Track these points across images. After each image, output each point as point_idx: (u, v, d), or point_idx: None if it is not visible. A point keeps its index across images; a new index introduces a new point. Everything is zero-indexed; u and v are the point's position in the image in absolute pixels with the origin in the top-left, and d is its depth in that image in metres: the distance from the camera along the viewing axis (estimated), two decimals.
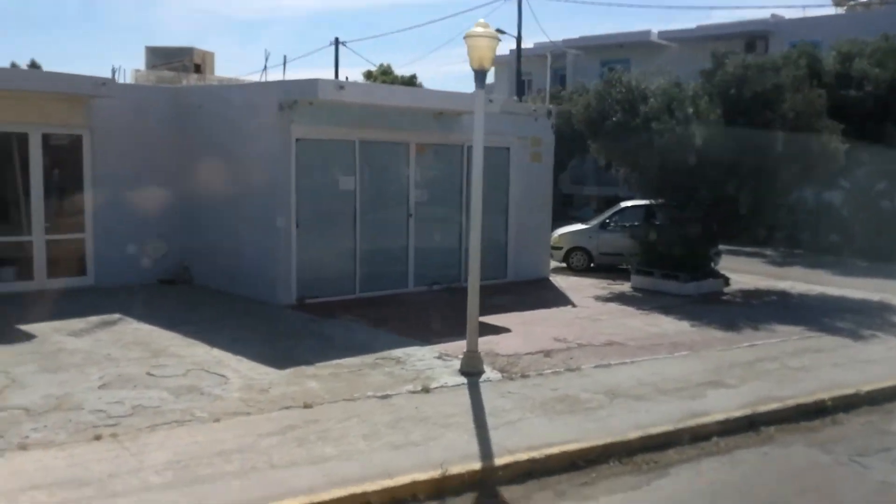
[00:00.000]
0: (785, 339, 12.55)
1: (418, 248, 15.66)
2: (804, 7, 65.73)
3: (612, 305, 15.12)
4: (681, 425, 8.48)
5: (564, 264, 19.72)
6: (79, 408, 8.09)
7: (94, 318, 11.95)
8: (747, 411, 8.96)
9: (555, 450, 7.61)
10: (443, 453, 7.35)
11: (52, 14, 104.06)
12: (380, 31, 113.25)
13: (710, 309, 15.02)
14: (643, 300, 15.69)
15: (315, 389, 9.02)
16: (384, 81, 39.60)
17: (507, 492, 7.03)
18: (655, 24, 43.56)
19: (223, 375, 9.40)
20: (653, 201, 18.23)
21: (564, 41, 41.05)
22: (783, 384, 10.06)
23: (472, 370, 9.93)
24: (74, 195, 14.51)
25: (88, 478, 6.49)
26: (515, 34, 38.68)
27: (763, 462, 7.98)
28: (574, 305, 14.99)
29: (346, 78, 45.86)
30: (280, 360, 10.10)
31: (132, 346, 10.53)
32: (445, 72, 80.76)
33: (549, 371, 10.25)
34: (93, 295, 13.74)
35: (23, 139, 13.83)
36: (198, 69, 18.94)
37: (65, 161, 14.53)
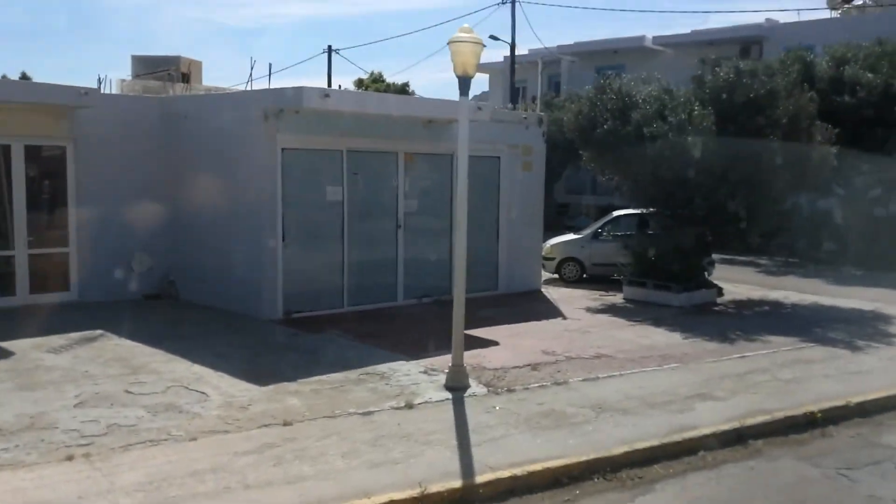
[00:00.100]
0: (776, 351, 12.41)
1: (408, 260, 15.52)
2: (798, 11, 65.51)
3: (603, 317, 14.98)
4: (667, 440, 8.33)
5: (557, 275, 19.56)
6: (52, 427, 7.93)
7: (74, 335, 11.80)
8: (735, 424, 8.81)
9: (537, 466, 7.46)
10: (423, 471, 7.19)
11: (44, 27, 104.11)
12: (374, 39, 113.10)
13: (702, 320, 14.88)
14: (634, 311, 15.55)
15: (296, 406, 8.87)
16: (376, 89, 39.51)
17: None
18: (652, 29, 43.58)
19: (203, 392, 9.25)
20: (645, 210, 18.11)
21: (559, 47, 40.96)
22: (772, 396, 9.92)
23: (457, 385, 9.78)
24: (58, 208, 14.37)
25: (56, 500, 6.34)
26: (509, 41, 38.71)
27: (750, 476, 7.83)
28: (564, 317, 14.84)
29: (339, 86, 45.84)
30: (262, 376, 9.95)
31: (112, 363, 10.38)
32: (439, 79, 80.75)
33: (536, 385, 10.10)
34: (76, 310, 13.57)
35: (5, 151, 13.71)
36: (185, 78, 18.83)
37: (48, 173, 14.41)
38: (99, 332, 12.06)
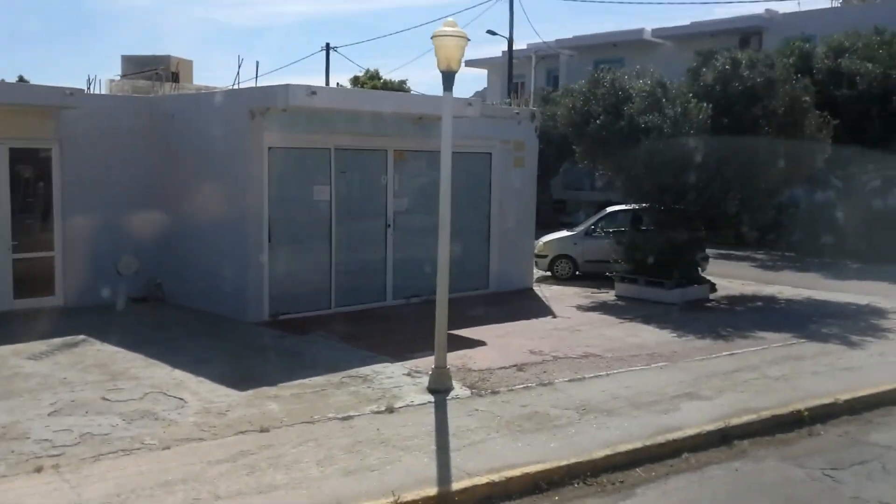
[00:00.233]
0: (766, 347, 12.28)
1: (397, 260, 15.36)
2: (798, 1, 65.29)
3: (594, 315, 14.85)
4: (650, 442, 8.20)
5: (549, 273, 19.40)
6: (24, 437, 7.81)
7: (56, 340, 11.66)
8: (720, 425, 8.68)
9: (516, 472, 7.33)
10: (399, 478, 7.07)
11: (47, 31, 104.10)
12: (372, 36, 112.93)
13: (694, 317, 14.74)
14: (626, 309, 15.41)
15: (274, 412, 8.75)
16: (372, 86, 39.34)
17: None
18: (650, 22, 43.30)
19: (181, 398, 9.13)
20: (638, 206, 17.96)
21: (557, 41, 40.78)
22: (760, 395, 9.79)
23: (440, 387, 9.65)
24: (43, 211, 14.22)
25: None
26: (507, 36, 38.54)
27: (733, 478, 7.70)
28: (554, 316, 14.70)
29: (337, 84, 45.75)
30: (242, 380, 9.82)
31: (91, 369, 10.25)
32: (437, 76, 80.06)
33: (521, 386, 9.97)
34: (60, 315, 13.43)
35: None
36: (175, 78, 18.69)
37: (33, 176, 14.27)
38: (81, 337, 11.94)
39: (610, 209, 19.97)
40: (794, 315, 15.06)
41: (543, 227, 25.84)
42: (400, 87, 40.69)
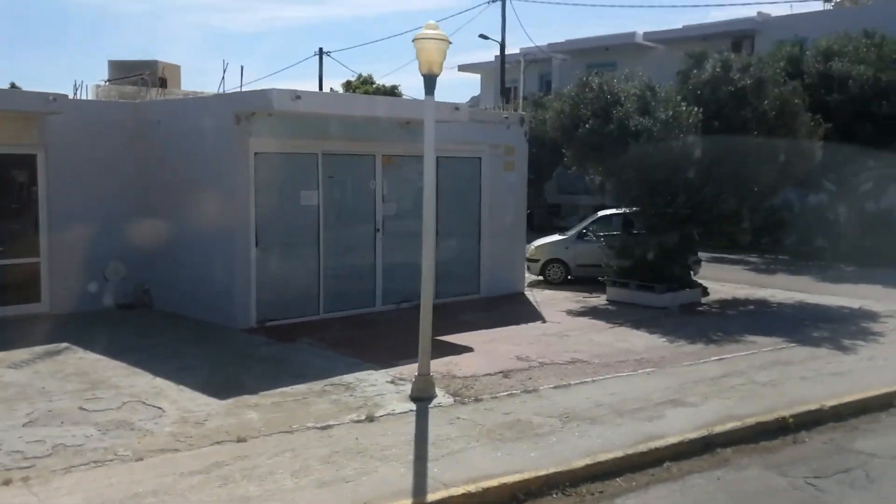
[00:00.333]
0: (755, 352, 12.18)
1: (387, 265, 15.27)
2: (790, 4, 65.13)
3: (584, 320, 14.75)
4: (632, 450, 8.10)
5: (541, 277, 19.31)
6: None
7: (38, 349, 11.57)
8: (703, 433, 8.58)
9: (494, 482, 7.22)
10: (373, 489, 6.97)
11: (43, 36, 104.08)
12: (367, 41, 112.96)
13: (685, 321, 14.64)
14: (616, 313, 15.31)
15: (253, 421, 8.65)
16: (364, 91, 39.24)
17: None
18: (646, 25, 43.14)
19: (160, 408, 9.03)
20: (629, 209, 17.87)
21: (550, 45, 40.71)
22: (746, 401, 9.69)
23: (422, 395, 9.55)
24: (28, 217, 14.13)
25: None
26: (499, 40, 38.47)
27: (715, 487, 7.60)
28: (544, 321, 14.60)
29: (331, 89, 45.66)
30: (224, 388, 9.73)
31: (71, 378, 10.15)
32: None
33: (505, 393, 9.87)
34: (45, 322, 13.33)
35: None
36: (163, 83, 18.58)
37: (18, 181, 14.16)
38: (64, 344, 11.84)
39: (602, 213, 19.88)
40: (786, 319, 14.97)
41: (539, 231, 25.81)
42: (391, 91, 40.57)
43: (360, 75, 42.61)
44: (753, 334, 13.41)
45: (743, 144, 15.64)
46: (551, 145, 23.82)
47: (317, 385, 10.00)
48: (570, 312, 15.43)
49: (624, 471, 7.82)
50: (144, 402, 9.21)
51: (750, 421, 8.98)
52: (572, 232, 19.83)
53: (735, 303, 16.79)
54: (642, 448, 8.16)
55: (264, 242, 13.60)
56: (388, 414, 8.99)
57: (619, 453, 8.01)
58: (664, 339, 13.07)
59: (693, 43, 32.60)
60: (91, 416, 8.70)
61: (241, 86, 17.74)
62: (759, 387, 10.33)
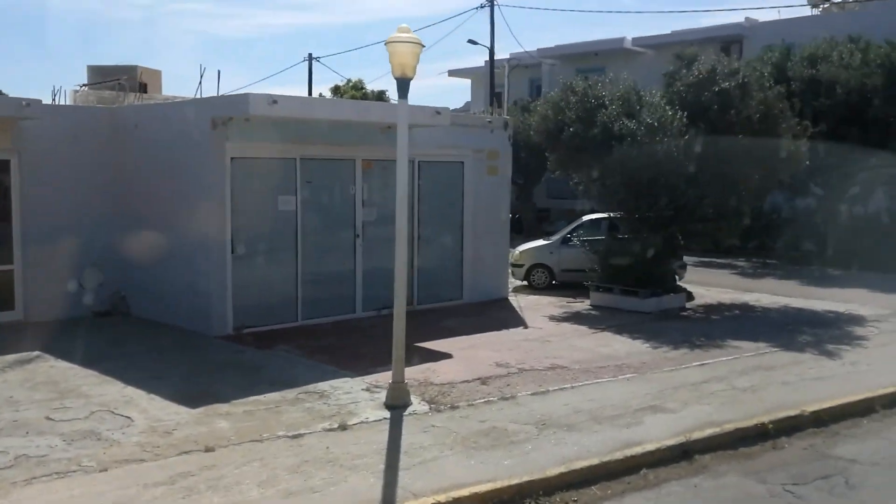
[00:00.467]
0: (737, 357, 12.06)
1: (367, 271, 15.10)
2: (778, 9, 65.10)
3: (566, 325, 14.61)
4: (608, 458, 7.95)
5: (526, 282, 19.16)
6: None
7: (9, 357, 11.35)
8: (681, 439, 8.44)
9: (465, 492, 7.07)
10: (341, 499, 6.82)
11: (35, 43, 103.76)
12: (357, 47, 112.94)
13: (668, 326, 14.52)
14: (599, 319, 15.18)
15: (223, 430, 8.48)
16: (352, 97, 39.08)
17: None
18: (638, 31, 43.03)
19: (128, 417, 8.85)
20: (613, 214, 17.76)
21: (539, 51, 40.62)
22: (726, 407, 9.56)
23: (397, 403, 9.39)
24: (1, 223, 13.89)
25: None
26: (488, 45, 38.38)
27: (692, 495, 7.47)
28: (526, 327, 14.46)
29: (320, 94, 45.48)
30: (195, 397, 9.55)
31: (40, 387, 9.96)
32: (422, 85, 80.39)
33: (482, 400, 9.72)
34: (18, 331, 13.09)
35: None
36: (143, 88, 18.40)
37: None
38: (36, 353, 11.63)
39: (586, 217, 19.75)
40: (771, 323, 14.86)
41: (528, 235, 25.69)
42: (380, 96, 40.45)
43: (349, 80, 42.46)
44: (737, 339, 13.29)
45: (727, 147, 15.54)
46: (540, 150, 23.74)
47: (290, 393, 9.83)
48: (553, 318, 15.28)
49: (600, 479, 7.68)
50: (113, 412, 9.03)
51: (729, 427, 8.84)
52: (557, 237, 19.71)
53: (720, 307, 16.68)
54: (619, 455, 8.02)
55: (241, 248, 13.44)
56: (362, 422, 8.83)
57: (595, 461, 7.86)
58: (646, 345, 12.95)
59: (682, 48, 32.62)
60: (57, 427, 8.51)
61: (218, 90, 17.60)
62: (740, 392, 10.20)
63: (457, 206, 16.71)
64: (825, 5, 37.47)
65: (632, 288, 16.11)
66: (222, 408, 9.21)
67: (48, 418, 8.78)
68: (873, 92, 21.44)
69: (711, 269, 22.53)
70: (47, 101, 14.38)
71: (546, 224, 33.51)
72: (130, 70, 18.94)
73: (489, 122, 17.76)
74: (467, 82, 47.80)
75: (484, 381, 10.64)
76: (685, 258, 19.30)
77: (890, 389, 10.31)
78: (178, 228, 13.73)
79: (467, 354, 12.14)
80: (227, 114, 13.05)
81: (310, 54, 46.88)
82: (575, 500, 7.29)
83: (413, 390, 9.87)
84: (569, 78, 18.07)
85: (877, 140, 21.45)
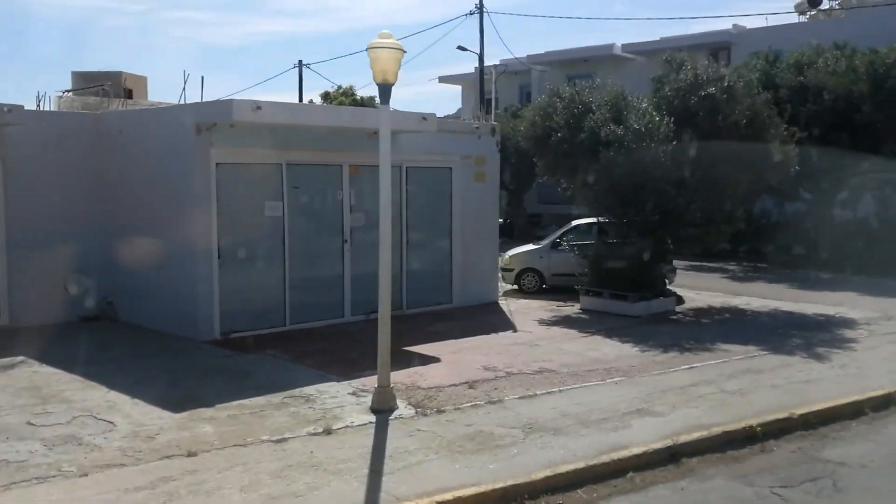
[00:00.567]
0: (726, 360, 12.01)
1: (355, 276, 15.02)
2: (766, 16, 65.41)
3: (556, 329, 14.55)
4: (594, 461, 7.89)
5: (516, 286, 19.12)
6: None
7: None
8: (668, 442, 8.37)
9: (448, 496, 6.99)
10: None
11: (27, 50, 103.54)
12: (348, 54, 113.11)
13: (657, 330, 14.47)
14: (589, 322, 15.14)
15: (207, 434, 8.39)
16: (340, 103, 39.08)
17: None
18: (631, 38, 42.79)
19: (111, 422, 8.75)
20: (602, 219, 17.73)
21: (529, 57, 40.74)
22: (714, 410, 9.50)
23: (383, 407, 9.32)
24: None
25: None
26: (478, 52, 38.36)
27: (679, 498, 7.40)
28: (515, 330, 14.40)
29: (310, 100, 45.42)
30: (180, 402, 9.46)
31: (23, 392, 9.86)
32: (414, 92, 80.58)
33: (468, 404, 9.65)
34: (3, 336, 12.95)
35: None
36: (128, 94, 18.31)
37: None
38: (20, 358, 11.53)
39: (576, 222, 19.72)
40: (760, 327, 14.83)
41: (519, 241, 25.62)
42: (370, 103, 40.47)
43: (340, 87, 42.46)
44: (726, 342, 13.25)
45: (714, 153, 15.52)
46: (530, 155, 23.70)
47: (276, 397, 9.75)
48: (543, 322, 15.23)
49: (586, 482, 7.61)
50: (96, 417, 8.94)
51: (717, 430, 8.78)
52: (546, 241, 19.66)
53: (710, 311, 16.64)
54: (605, 459, 7.95)
55: (227, 253, 13.36)
56: (347, 426, 8.76)
57: (581, 464, 7.80)
58: (635, 348, 12.90)
59: (671, 54, 32.69)
60: (38, 432, 8.42)
61: (202, 97, 17.52)
62: (729, 395, 10.15)
63: (445, 212, 16.67)
64: (812, 13, 37.60)
65: (621, 292, 16.07)
66: (206, 412, 9.13)
67: (29, 423, 8.69)
68: (860, 98, 21.48)
69: (702, 273, 22.53)
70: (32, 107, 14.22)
71: (537, 229, 33.49)
72: (115, 76, 18.84)
73: (476, 127, 17.73)
74: (458, 89, 47.85)
75: (471, 384, 10.57)
76: (675, 262, 19.29)
77: (879, 392, 10.27)
78: (165, 234, 13.65)
79: (455, 358, 12.07)
80: (212, 119, 12.99)
81: (300, 61, 46.94)
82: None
83: (400, 394, 9.80)
84: (558, 84, 18.02)
85: (865, 145, 21.50)
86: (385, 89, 9.43)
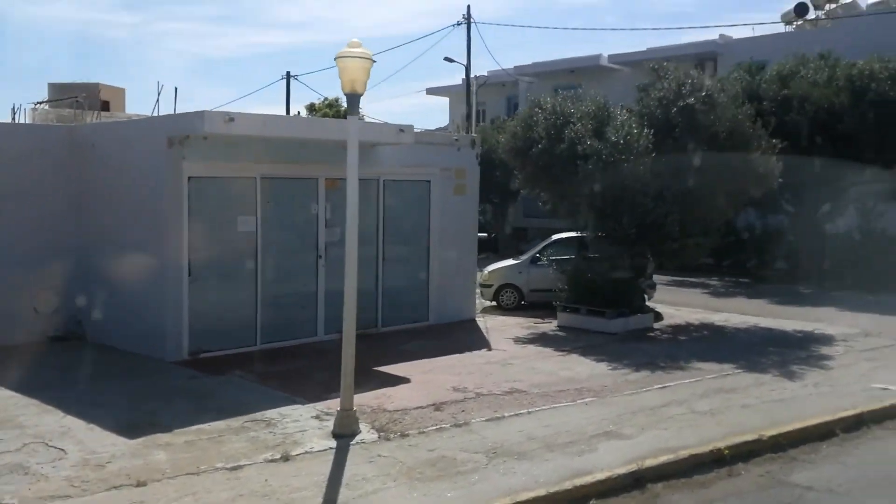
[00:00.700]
0: (700, 379, 11.85)
1: (329, 293, 14.76)
2: (752, 26, 65.44)
3: (531, 347, 14.37)
4: (556, 488, 7.69)
5: (495, 303, 18.92)
6: None
7: None
8: (633, 467, 8.19)
9: None
10: None
11: (23, 58, 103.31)
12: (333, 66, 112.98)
13: (633, 347, 14.30)
14: (565, 340, 14.97)
15: (160, 462, 8.17)
16: (324, 114, 38.93)
17: None
18: (620, 49, 42.66)
19: (62, 449, 8.52)
20: (581, 233, 17.58)
21: (516, 68, 40.70)
22: (683, 432, 9.33)
23: (345, 431, 9.11)
24: None
25: None
26: (465, 63, 38.29)
27: None
28: (490, 349, 14.22)
29: (297, 112, 45.29)
30: (136, 427, 9.23)
31: None
32: (402, 104, 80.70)
33: (433, 428, 9.45)
34: None
35: None
36: (105, 106, 18.12)
37: None
38: None
39: (556, 236, 19.56)
40: (737, 344, 14.68)
41: (503, 255, 25.45)
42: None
43: (326, 98, 42.32)
44: (701, 361, 13.09)
45: (693, 165, 15.38)
46: (513, 167, 23.55)
47: (236, 421, 9.53)
48: (518, 340, 15.04)
49: None
50: (47, 444, 8.70)
51: (684, 454, 8.61)
52: (526, 256, 19.49)
53: (688, 328, 16.49)
54: (567, 485, 7.76)
55: (198, 270, 13.15)
56: (306, 452, 8.55)
57: (542, 491, 7.60)
58: (609, 367, 12.72)
59: (657, 65, 32.65)
60: None
61: (175, 108, 17.35)
62: (699, 416, 9.98)
63: (423, 226, 16.47)
64: (798, 23, 37.60)
65: (599, 308, 15.89)
66: (163, 438, 8.91)
67: None
68: (842, 110, 21.40)
69: (683, 289, 22.38)
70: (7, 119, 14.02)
71: (523, 243, 33.30)
72: (91, 87, 18.67)
73: (456, 139, 17.59)
74: (446, 101, 47.76)
75: (438, 406, 10.37)
76: (656, 277, 19.14)
77: (850, 412, 10.12)
78: (135, 250, 13.40)
79: (426, 379, 11.88)
80: (184, 132, 12.78)
81: (287, 72, 46.76)
82: None
83: (364, 417, 9.61)
84: (532, 96, 17.88)
85: (848, 157, 21.38)
86: (353, 99, 9.32)
